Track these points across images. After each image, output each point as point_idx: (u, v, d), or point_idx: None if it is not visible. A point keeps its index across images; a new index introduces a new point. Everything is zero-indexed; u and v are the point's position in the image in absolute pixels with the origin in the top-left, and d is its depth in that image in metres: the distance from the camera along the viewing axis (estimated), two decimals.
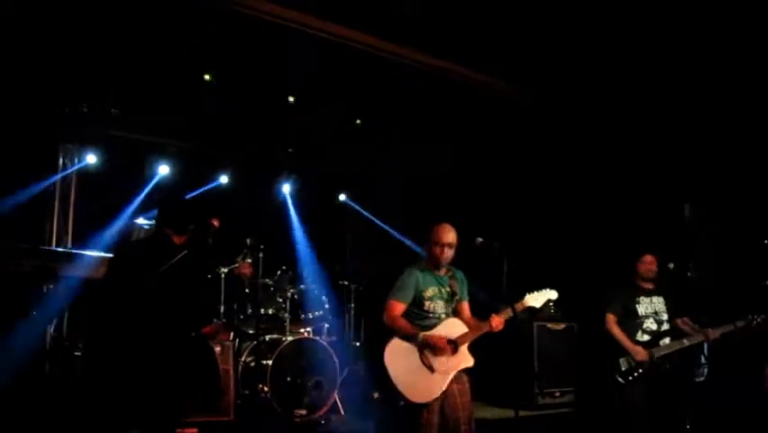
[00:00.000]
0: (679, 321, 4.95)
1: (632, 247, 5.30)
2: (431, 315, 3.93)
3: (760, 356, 5.17)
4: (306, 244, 7.72)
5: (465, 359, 3.86)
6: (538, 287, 4.03)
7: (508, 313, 3.87)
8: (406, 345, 3.82)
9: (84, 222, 6.79)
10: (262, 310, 6.11)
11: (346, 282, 7.03)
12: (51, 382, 5.28)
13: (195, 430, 4.88)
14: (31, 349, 5.12)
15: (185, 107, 6.75)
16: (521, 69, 6.49)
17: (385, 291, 4.01)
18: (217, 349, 5.34)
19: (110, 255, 4.79)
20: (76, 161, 6.89)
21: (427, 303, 3.93)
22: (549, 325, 6.65)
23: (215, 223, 4.47)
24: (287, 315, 6.04)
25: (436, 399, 3.76)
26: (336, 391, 5.80)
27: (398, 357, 3.80)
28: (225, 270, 5.98)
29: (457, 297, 4.00)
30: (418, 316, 3.93)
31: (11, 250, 5.22)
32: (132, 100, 6.67)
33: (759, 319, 4.71)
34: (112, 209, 6.81)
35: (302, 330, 6.10)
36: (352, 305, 6.98)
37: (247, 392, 5.63)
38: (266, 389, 5.46)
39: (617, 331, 4.91)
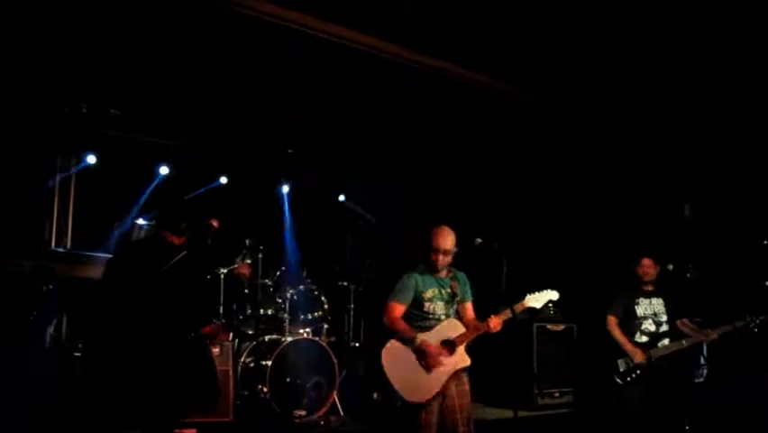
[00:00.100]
0: (679, 323, 4.95)
1: (631, 248, 5.30)
2: (431, 316, 3.94)
3: (759, 357, 5.18)
4: (306, 244, 7.71)
5: (462, 359, 3.88)
6: (537, 288, 4.04)
7: (507, 314, 3.87)
8: (403, 345, 3.84)
9: (83, 222, 6.78)
10: (262, 311, 6.11)
11: (346, 283, 7.02)
12: (51, 382, 5.29)
13: (194, 431, 4.88)
14: (30, 349, 5.13)
15: (185, 107, 6.75)
16: (521, 69, 6.48)
17: (385, 292, 4.03)
18: (216, 350, 5.34)
19: (110, 256, 4.78)
20: (75, 161, 6.88)
21: (427, 304, 3.94)
22: (548, 326, 6.65)
23: (215, 223, 4.48)
24: (286, 315, 6.05)
25: (435, 399, 3.78)
26: (335, 392, 5.80)
27: (395, 358, 3.84)
28: (225, 270, 5.98)
29: (458, 298, 4.00)
30: (418, 317, 3.94)
31: (11, 250, 5.22)
32: (131, 100, 6.66)
33: (758, 320, 4.71)
34: (111, 210, 6.80)
35: (301, 331, 6.10)
36: (352, 305, 6.97)
37: (246, 393, 5.63)
38: (265, 389, 5.47)
39: (617, 333, 4.92)
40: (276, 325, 6.11)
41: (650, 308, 4.96)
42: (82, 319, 5.55)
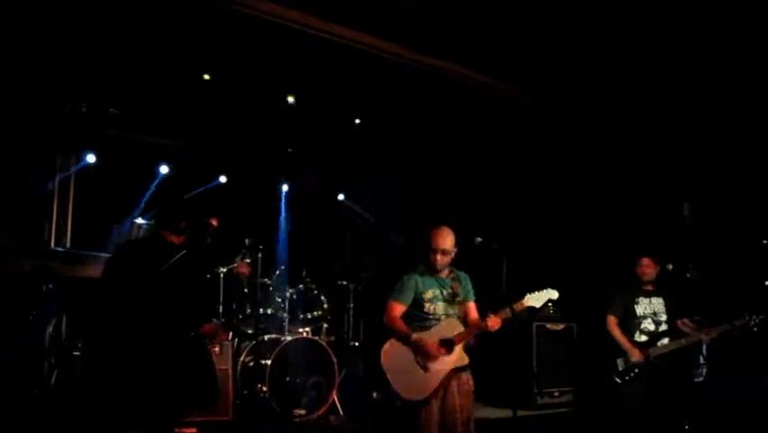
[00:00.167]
0: (679, 322, 4.96)
1: (631, 247, 5.30)
2: (431, 316, 3.95)
3: (759, 357, 5.18)
4: (306, 243, 7.71)
5: (460, 358, 3.89)
6: (537, 287, 4.03)
7: (507, 313, 3.87)
8: (402, 345, 3.86)
9: (83, 222, 6.78)
10: (261, 310, 6.10)
11: (345, 282, 7.02)
12: (50, 382, 5.29)
13: (194, 430, 4.88)
14: (30, 349, 5.13)
15: (185, 107, 6.75)
16: (521, 69, 6.49)
17: (384, 291, 4.04)
18: (216, 349, 5.34)
19: (109, 255, 4.78)
20: (75, 160, 6.87)
21: (427, 305, 3.95)
22: (548, 325, 6.65)
23: (214, 223, 4.47)
24: (285, 315, 6.05)
25: (434, 398, 3.78)
26: (335, 391, 5.80)
27: (394, 356, 3.86)
28: (224, 269, 5.97)
29: (459, 298, 4.00)
30: (418, 317, 3.95)
31: (11, 250, 5.22)
32: (131, 100, 6.67)
33: (758, 319, 4.71)
34: (111, 209, 6.80)
35: (301, 330, 6.10)
36: (351, 305, 6.97)
37: (246, 392, 5.62)
38: (265, 389, 5.47)
39: (617, 332, 4.93)
40: (275, 324, 6.11)
41: (649, 308, 4.97)
42: (81, 319, 5.55)
